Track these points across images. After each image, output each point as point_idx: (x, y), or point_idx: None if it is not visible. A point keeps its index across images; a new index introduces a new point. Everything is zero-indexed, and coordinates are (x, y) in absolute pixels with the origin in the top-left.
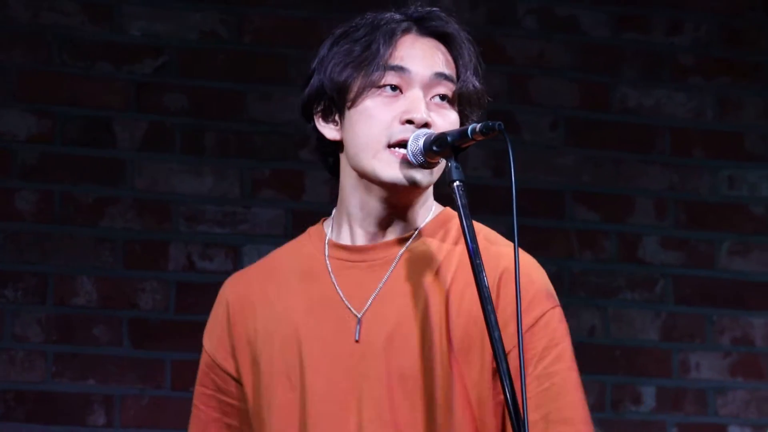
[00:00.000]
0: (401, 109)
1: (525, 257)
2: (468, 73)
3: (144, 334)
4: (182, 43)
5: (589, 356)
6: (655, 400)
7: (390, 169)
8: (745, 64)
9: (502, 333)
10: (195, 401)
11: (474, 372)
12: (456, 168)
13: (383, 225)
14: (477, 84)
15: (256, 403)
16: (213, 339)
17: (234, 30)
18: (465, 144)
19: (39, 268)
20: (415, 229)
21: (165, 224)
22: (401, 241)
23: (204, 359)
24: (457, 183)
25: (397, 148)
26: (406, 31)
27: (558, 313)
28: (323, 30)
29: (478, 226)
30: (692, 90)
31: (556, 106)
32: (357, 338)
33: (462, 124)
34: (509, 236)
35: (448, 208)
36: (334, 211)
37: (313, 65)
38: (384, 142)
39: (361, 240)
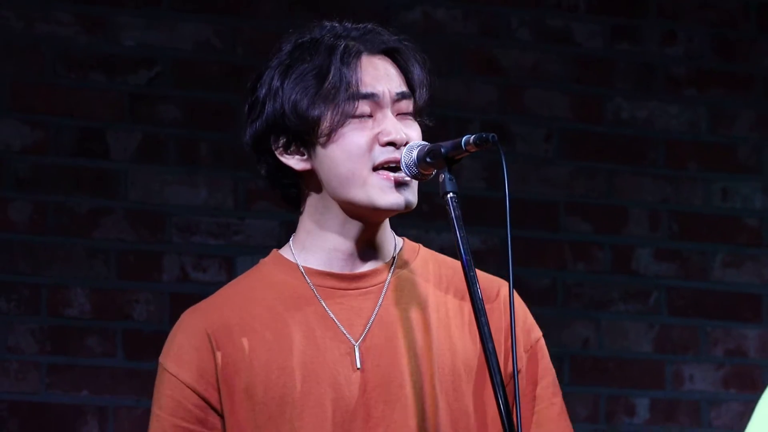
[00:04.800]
0: (376, 131)
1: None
2: (422, 87)
3: (138, 346)
4: (176, 53)
5: (583, 368)
6: (649, 412)
7: (385, 195)
8: (738, 75)
9: (504, 360)
10: None
11: (484, 396)
12: (450, 179)
13: (364, 250)
14: (428, 95)
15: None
16: (191, 370)
17: (228, 41)
18: (459, 155)
19: (32, 279)
20: (393, 256)
21: (159, 235)
22: (386, 266)
23: (178, 391)
24: (450, 194)
25: (385, 171)
26: (359, 52)
27: (544, 341)
28: None
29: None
30: (685, 102)
31: (550, 118)
32: (359, 366)
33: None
34: (503, 248)
35: (404, 237)
36: (292, 240)
37: (261, 95)
38: (368, 166)
39: (339, 266)
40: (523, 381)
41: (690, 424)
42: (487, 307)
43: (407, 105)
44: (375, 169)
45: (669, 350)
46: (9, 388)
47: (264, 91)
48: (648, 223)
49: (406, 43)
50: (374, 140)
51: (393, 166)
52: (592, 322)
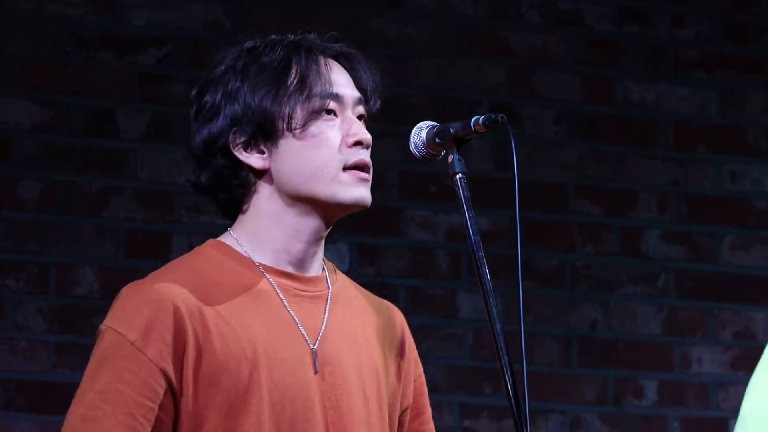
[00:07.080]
0: (343, 132)
1: None
2: (375, 94)
3: None
4: (185, 33)
5: (591, 350)
6: (657, 394)
7: (351, 189)
8: (748, 58)
9: (405, 390)
10: (127, 410)
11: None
12: (459, 160)
13: (311, 254)
14: (379, 101)
15: (199, 418)
16: (157, 345)
17: (237, 21)
18: (468, 136)
19: (41, 258)
20: (323, 267)
21: (167, 215)
22: (324, 275)
23: (144, 368)
24: (459, 175)
25: (355, 171)
26: (319, 54)
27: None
28: (326, 21)
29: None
30: (695, 84)
31: (559, 100)
32: (317, 370)
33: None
34: (512, 229)
35: None
36: (233, 232)
37: (216, 99)
38: (339, 165)
39: (284, 267)
40: (408, 413)
41: (698, 407)
42: (389, 334)
43: (364, 108)
44: (345, 169)
45: (677, 332)
46: (17, 367)
47: (219, 95)
48: (657, 206)
49: (355, 51)
50: (342, 141)
51: (361, 167)
52: (601, 305)
